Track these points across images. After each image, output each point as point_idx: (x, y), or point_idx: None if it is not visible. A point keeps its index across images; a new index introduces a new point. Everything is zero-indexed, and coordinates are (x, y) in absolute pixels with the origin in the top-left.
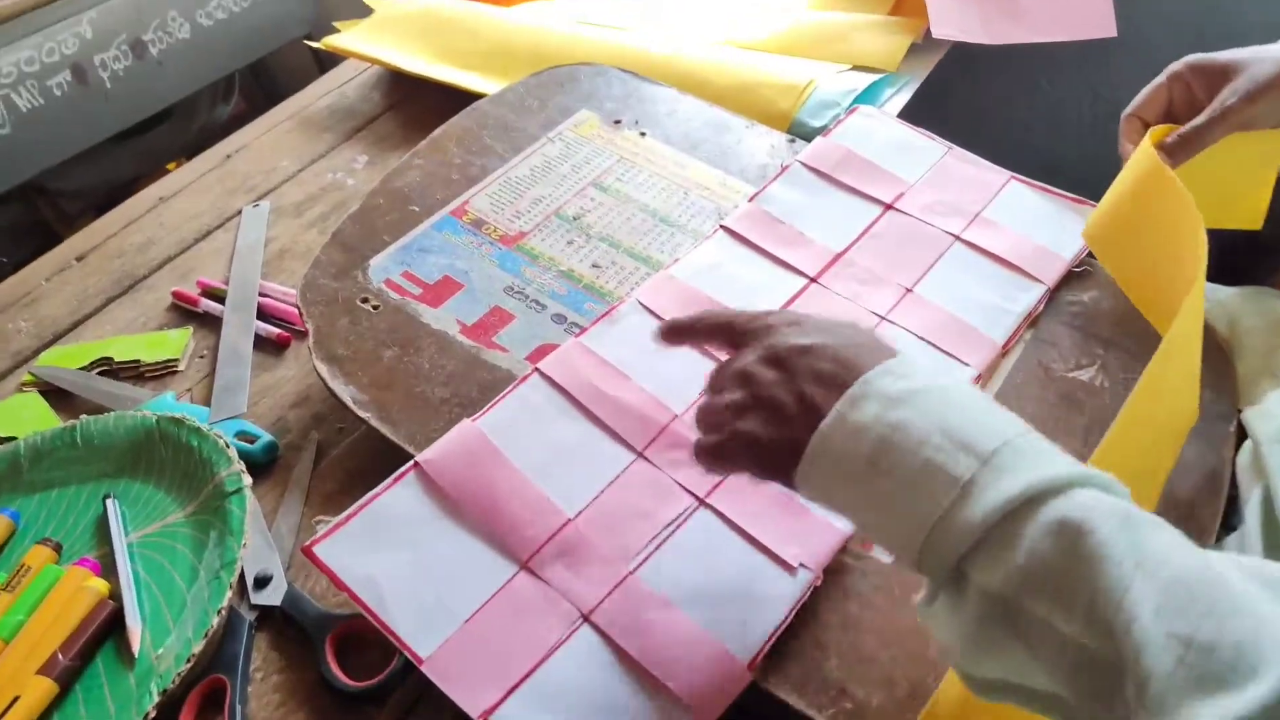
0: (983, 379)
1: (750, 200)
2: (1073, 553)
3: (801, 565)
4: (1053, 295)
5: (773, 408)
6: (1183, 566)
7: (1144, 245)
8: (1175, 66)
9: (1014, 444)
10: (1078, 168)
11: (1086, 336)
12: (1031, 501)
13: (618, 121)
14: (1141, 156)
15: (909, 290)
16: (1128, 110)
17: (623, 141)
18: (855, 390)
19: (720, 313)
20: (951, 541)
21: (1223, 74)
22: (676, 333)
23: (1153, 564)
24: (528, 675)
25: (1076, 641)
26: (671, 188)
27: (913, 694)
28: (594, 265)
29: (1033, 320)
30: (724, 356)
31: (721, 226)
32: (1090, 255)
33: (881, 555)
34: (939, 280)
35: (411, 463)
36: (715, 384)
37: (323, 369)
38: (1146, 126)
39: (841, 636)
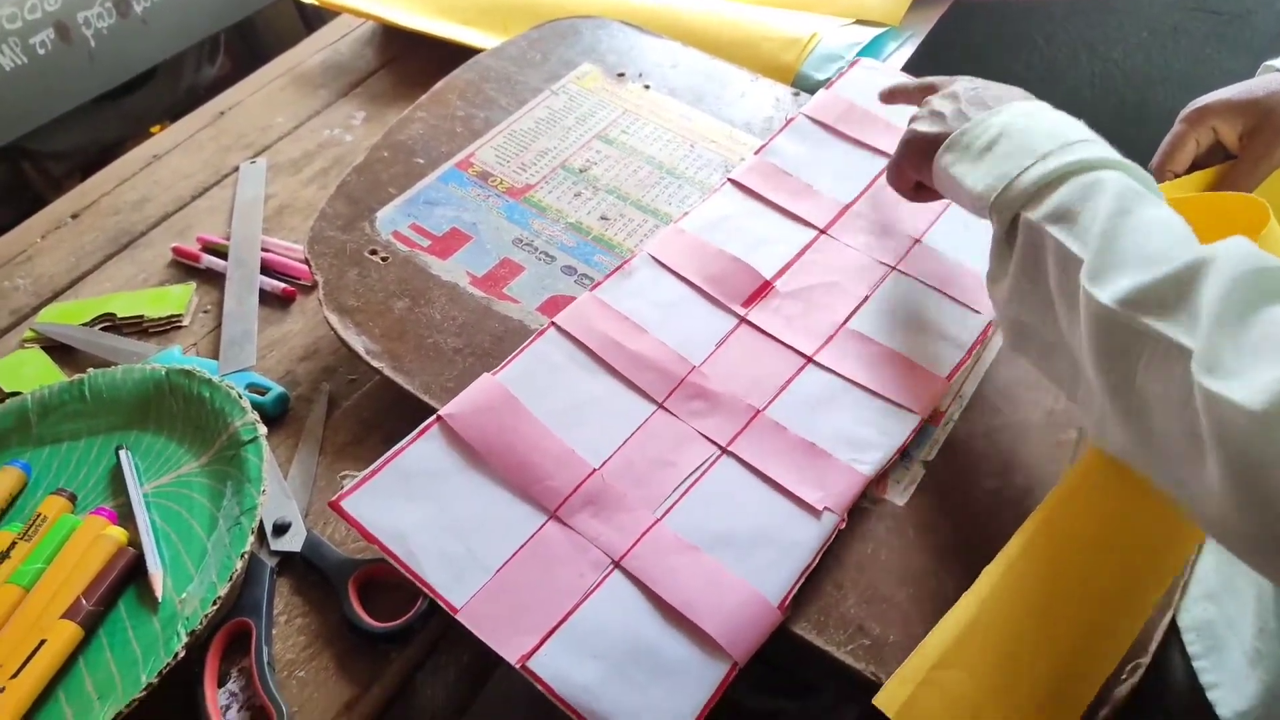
0: (993, 326)
1: (756, 153)
2: (1089, 196)
3: (826, 509)
4: None
5: (937, 115)
6: (1157, 217)
7: None
8: (1191, 114)
9: (1090, 141)
10: None
11: None
12: (1081, 169)
13: (621, 74)
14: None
15: (917, 240)
16: (1155, 163)
17: (627, 94)
18: (998, 108)
19: (923, 80)
20: (1016, 191)
21: (1243, 113)
22: (893, 95)
23: (1139, 208)
24: (562, 621)
25: (1069, 253)
26: (677, 140)
27: (928, 631)
28: (602, 217)
29: None
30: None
31: (729, 179)
32: None
33: (896, 499)
34: (946, 230)
35: (434, 417)
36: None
37: (334, 320)
38: (1177, 177)
39: (858, 577)
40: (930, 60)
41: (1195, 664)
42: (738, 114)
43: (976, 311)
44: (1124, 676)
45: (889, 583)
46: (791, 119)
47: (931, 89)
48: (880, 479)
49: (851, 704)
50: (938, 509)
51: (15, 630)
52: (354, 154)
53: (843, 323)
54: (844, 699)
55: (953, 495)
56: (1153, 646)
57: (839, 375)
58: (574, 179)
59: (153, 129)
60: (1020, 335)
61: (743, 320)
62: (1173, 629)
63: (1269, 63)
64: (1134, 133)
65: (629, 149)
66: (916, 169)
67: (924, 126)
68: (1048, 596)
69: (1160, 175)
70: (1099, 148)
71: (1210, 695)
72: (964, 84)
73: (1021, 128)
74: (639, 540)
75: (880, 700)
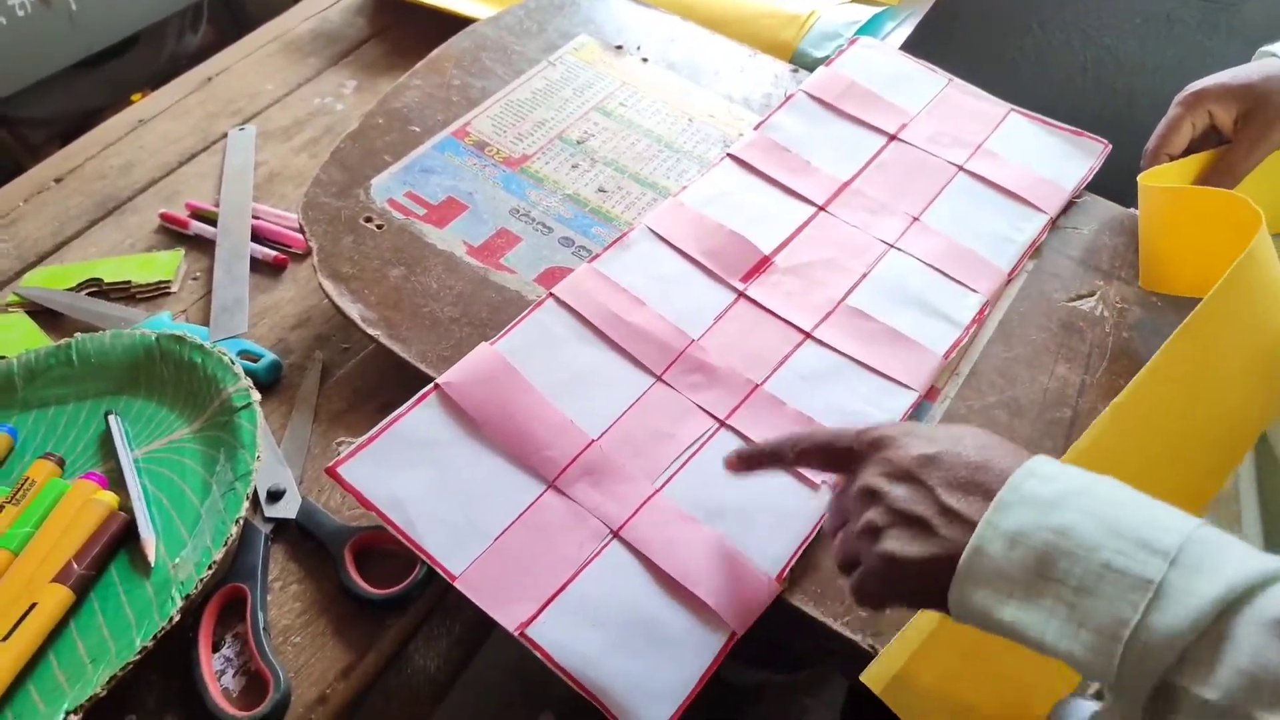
0: (989, 305)
1: (756, 129)
2: None
3: (824, 482)
4: (1053, 226)
5: (911, 522)
6: None
7: (1201, 257)
8: (1188, 97)
9: (1196, 538)
10: (1065, 107)
11: (1087, 268)
12: (1239, 600)
13: (619, 47)
14: (1158, 195)
15: (916, 219)
16: (1151, 146)
17: (625, 67)
18: (1005, 496)
19: (814, 433)
20: (1155, 652)
21: (1238, 98)
22: (756, 461)
23: None
24: (561, 589)
25: None
26: (676, 114)
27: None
28: (600, 190)
29: (1035, 250)
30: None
31: (728, 154)
32: (1088, 188)
33: None
34: (944, 209)
35: (432, 384)
36: (838, 513)
37: (329, 286)
38: (1172, 160)
39: None
40: (929, 40)
41: None
42: (736, 89)
43: (973, 290)
44: None
45: None
46: (791, 95)
47: (833, 453)
48: None
49: (839, 675)
50: None
51: (4, 594)
52: (345, 123)
53: (841, 299)
54: (832, 672)
55: None
56: None
57: (837, 351)
58: (571, 150)
59: (134, 97)
60: None
61: (741, 295)
62: None
63: (1265, 48)
64: (1126, 118)
65: (627, 122)
66: (904, 597)
67: (897, 545)
68: None
69: (1156, 158)
70: (1213, 544)
71: None
72: (914, 447)
73: (1071, 529)
74: (638, 511)
75: (867, 677)
